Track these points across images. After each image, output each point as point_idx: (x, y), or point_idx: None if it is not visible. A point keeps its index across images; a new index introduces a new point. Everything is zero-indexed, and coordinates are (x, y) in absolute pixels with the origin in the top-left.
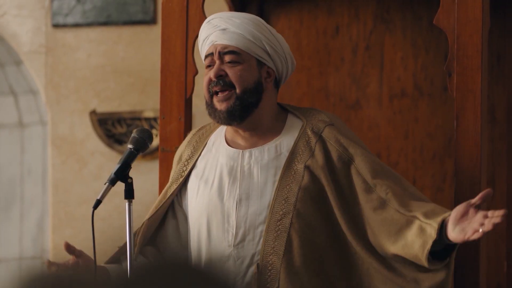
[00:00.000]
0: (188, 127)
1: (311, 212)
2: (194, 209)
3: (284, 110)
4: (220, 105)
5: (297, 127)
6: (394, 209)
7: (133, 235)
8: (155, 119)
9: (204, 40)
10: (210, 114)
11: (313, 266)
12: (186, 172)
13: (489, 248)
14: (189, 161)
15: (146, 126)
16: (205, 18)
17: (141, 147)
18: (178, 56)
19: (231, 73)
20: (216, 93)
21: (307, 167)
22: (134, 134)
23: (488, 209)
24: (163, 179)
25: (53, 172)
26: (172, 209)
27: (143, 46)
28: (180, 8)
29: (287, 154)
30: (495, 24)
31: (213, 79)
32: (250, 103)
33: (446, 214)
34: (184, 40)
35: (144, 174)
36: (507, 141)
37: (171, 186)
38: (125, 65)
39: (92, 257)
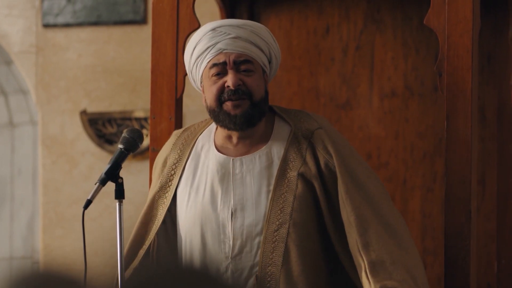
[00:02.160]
0: (178, 127)
1: (307, 221)
2: (186, 218)
3: (270, 112)
4: (234, 110)
5: (285, 132)
6: (354, 240)
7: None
8: (145, 119)
9: (208, 48)
10: (219, 121)
11: (312, 275)
12: (175, 177)
13: (479, 248)
14: (177, 165)
15: (136, 126)
16: (196, 18)
17: (132, 147)
18: (169, 56)
19: (249, 82)
20: (227, 100)
21: (300, 175)
22: (124, 134)
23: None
24: None
25: (43, 172)
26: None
27: (134, 46)
28: (170, 8)
29: (278, 162)
30: (485, 25)
31: (233, 88)
32: (263, 111)
33: (386, 283)
34: (175, 40)
35: (135, 174)
36: (497, 141)
37: (161, 191)
38: (116, 65)
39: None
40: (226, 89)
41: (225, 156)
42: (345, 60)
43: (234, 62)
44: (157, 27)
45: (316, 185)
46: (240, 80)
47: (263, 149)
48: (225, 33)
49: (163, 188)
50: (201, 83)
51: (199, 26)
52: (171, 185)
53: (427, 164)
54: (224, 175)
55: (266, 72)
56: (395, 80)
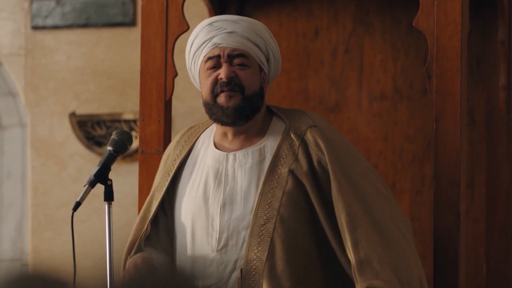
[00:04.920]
0: (167, 129)
1: (295, 218)
2: (180, 212)
3: (269, 112)
4: (227, 102)
5: (280, 130)
6: (345, 237)
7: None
8: (134, 121)
9: (204, 42)
10: (213, 114)
11: (297, 272)
12: (173, 172)
13: (468, 250)
14: (176, 161)
15: (125, 128)
16: (185, 20)
17: (121, 149)
18: (158, 58)
19: (242, 75)
20: (220, 92)
21: (291, 172)
22: (113, 136)
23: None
24: (143, 181)
25: (32, 175)
26: (161, 207)
27: (123, 48)
28: (159, 10)
29: (270, 158)
30: (474, 27)
31: (225, 80)
32: (256, 107)
33: (373, 282)
34: (164, 42)
35: (124, 176)
36: (486, 143)
37: (159, 187)
38: (105, 67)
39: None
40: (219, 81)
41: (220, 151)
42: (334, 63)
43: (228, 56)
44: (146, 29)
45: (307, 183)
46: (233, 73)
47: (257, 145)
48: (221, 27)
49: (161, 184)
50: (199, 78)
51: (188, 28)
52: (168, 180)
53: (416, 167)
54: (218, 170)
55: (263, 70)
56: (384, 82)
